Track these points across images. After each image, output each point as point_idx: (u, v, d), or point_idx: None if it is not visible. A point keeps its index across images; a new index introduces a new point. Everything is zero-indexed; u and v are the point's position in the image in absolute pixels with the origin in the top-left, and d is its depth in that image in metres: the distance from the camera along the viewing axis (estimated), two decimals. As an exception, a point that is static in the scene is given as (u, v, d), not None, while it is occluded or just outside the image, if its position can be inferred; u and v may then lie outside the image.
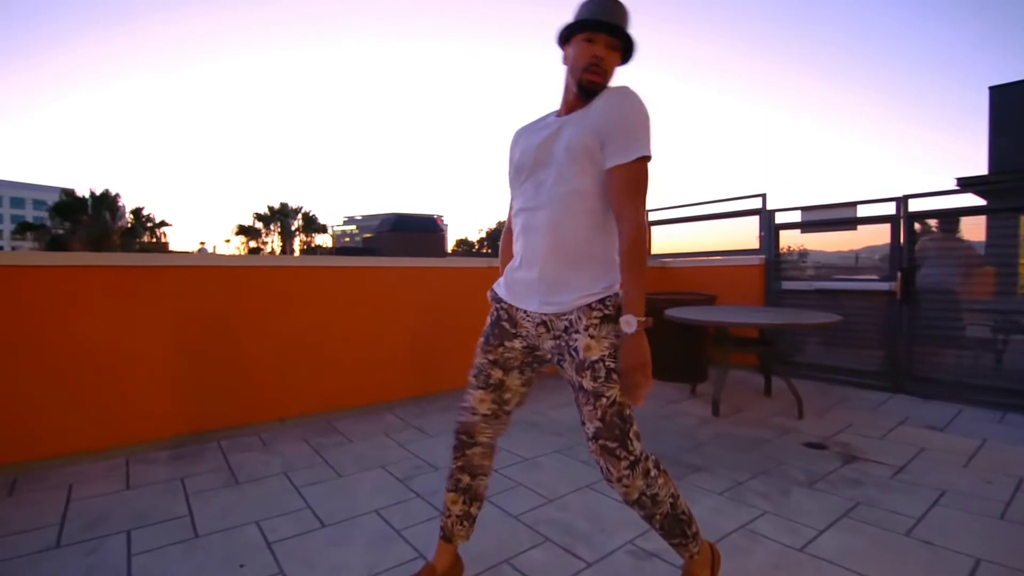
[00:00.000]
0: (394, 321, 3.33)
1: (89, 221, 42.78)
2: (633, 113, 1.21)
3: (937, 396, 3.51)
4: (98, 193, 44.48)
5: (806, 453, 2.54)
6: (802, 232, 4.44)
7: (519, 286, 1.35)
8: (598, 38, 1.26)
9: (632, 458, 1.23)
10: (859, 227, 4.09)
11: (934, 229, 3.96)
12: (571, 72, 1.29)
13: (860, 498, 2.04)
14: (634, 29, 1.31)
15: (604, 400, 1.22)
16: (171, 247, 51.60)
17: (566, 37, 1.31)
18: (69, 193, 44.45)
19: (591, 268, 1.27)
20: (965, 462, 2.41)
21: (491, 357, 1.38)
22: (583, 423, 1.26)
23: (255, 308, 2.84)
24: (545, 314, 1.29)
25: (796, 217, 4.40)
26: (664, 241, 5.45)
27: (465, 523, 1.45)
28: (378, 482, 2.20)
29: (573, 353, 1.25)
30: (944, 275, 3.68)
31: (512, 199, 1.42)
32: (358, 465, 2.38)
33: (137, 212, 49.72)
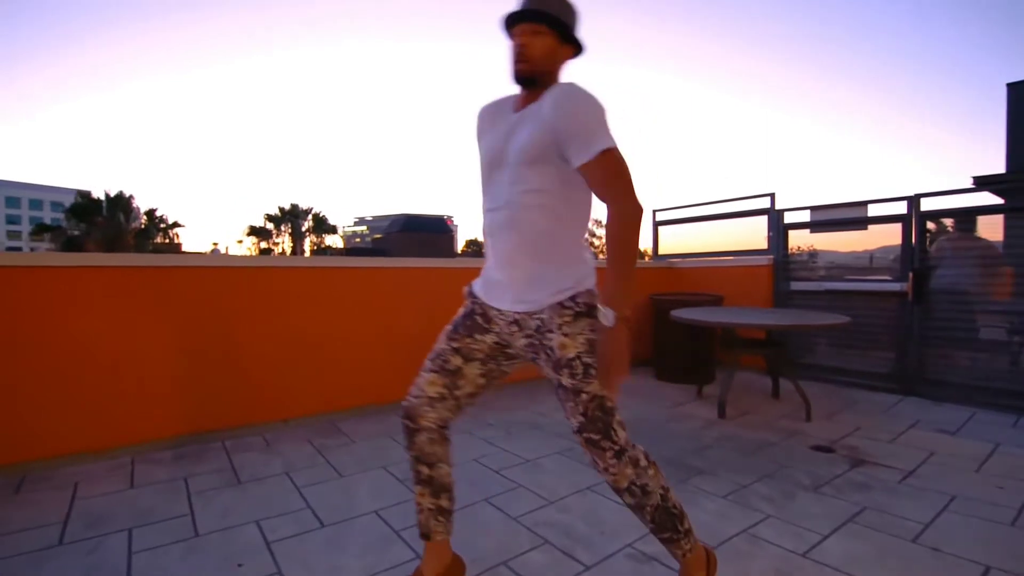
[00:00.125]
0: (399, 322, 3.33)
1: (104, 222, 43.43)
2: (583, 109, 1.19)
3: (949, 399, 3.44)
4: (112, 195, 45.14)
5: (813, 456, 2.50)
6: (811, 232, 4.38)
7: (491, 285, 1.36)
8: (516, 30, 1.28)
9: (617, 447, 1.24)
10: (874, 227, 4.01)
11: (950, 229, 3.89)
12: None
13: (867, 503, 2.00)
14: (574, 11, 1.32)
15: (584, 395, 1.23)
16: (184, 248, 52.26)
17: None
18: (85, 195, 45.21)
19: (557, 266, 1.27)
20: (976, 467, 2.36)
21: (455, 345, 1.37)
22: (568, 419, 1.27)
23: (259, 309, 2.85)
24: (518, 312, 1.29)
25: (805, 217, 4.34)
26: (671, 241, 5.41)
27: (440, 518, 1.42)
28: (379, 483, 2.20)
29: (549, 352, 1.26)
30: (959, 276, 3.61)
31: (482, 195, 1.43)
32: (360, 466, 2.38)
33: (151, 213, 50.44)
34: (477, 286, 1.42)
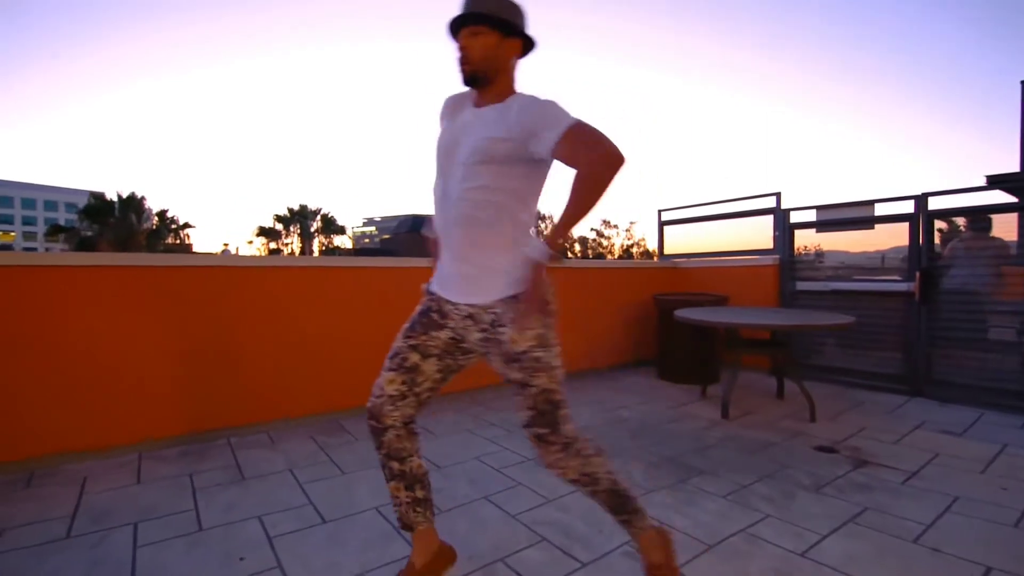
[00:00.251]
0: (403, 321, 3.34)
1: (116, 223, 43.99)
2: (546, 107, 1.24)
3: (957, 400, 3.41)
4: (124, 196, 45.72)
5: (815, 457, 2.49)
6: (817, 231, 4.35)
7: (445, 279, 1.39)
8: (458, 37, 1.33)
9: (564, 441, 1.29)
10: (886, 227, 3.97)
11: (962, 229, 3.85)
12: None
13: (868, 503, 1.99)
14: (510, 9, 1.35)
15: (533, 389, 1.27)
16: (195, 248, 52.83)
17: None
18: (98, 196, 45.81)
19: (508, 261, 1.29)
20: (982, 468, 2.34)
21: (411, 342, 1.41)
22: (517, 413, 1.30)
23: (265, 309, 2.88)
24: (472, 306, 1.32)
25: (811, 216, 4.31)
26: (676, 241, 5.39)
27: (418, 508, 1.45)
28: (380, 480, 2.18)
29: (501, 346, 1.28)
30: (970, 276, 3.58)
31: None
32: (362, 463, 2.40)
33: (162, 214, 50.97)
34: (433, 281, 1.45)
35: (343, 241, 66.88)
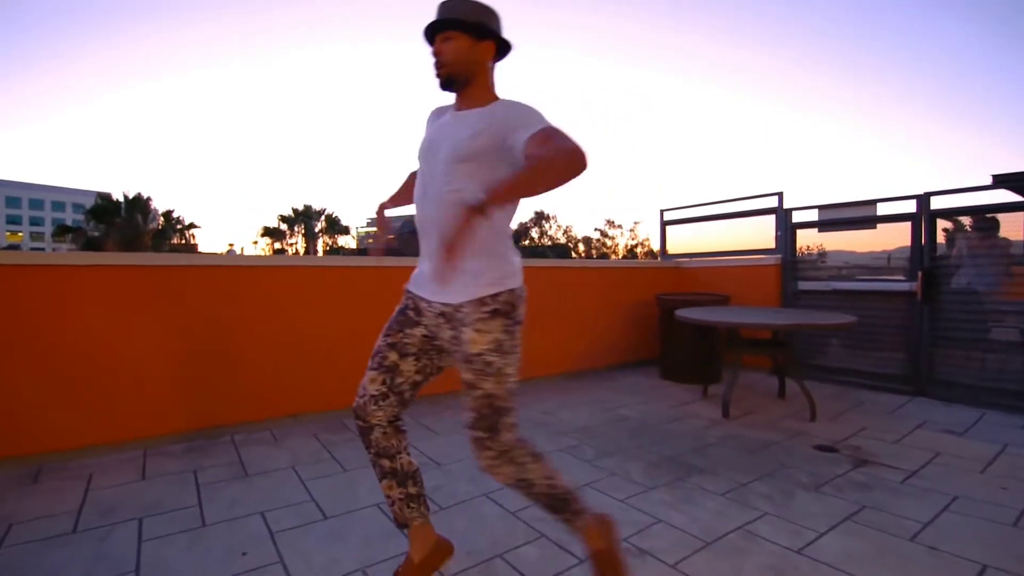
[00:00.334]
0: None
1: (122, 224, 44.26)
2: (527, 110, 1.28)
3: (959, 400, 3.40)
4: (130, 196, 45.97)
5: (815, 456, 2.49)
6: (819, 231, 4.35)
7: (420, 277, 1.43)
8: (433, 44, 1.36)
9: (500, 449, 1.30)
10: (892, 227, 3.96)
11: (968, 228, 3.83)
12: None
13: (867, 502, 2.00)
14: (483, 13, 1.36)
15: (479, 391, 1.29)
16: (200, 248, 53.08)
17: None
18: (105, 197, 46.07)
19: (481, 263, 1.30)
20: (982, 468, 2.34)
21: (390, 341, 1.43)
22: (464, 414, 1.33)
23: (268, 307, 2.91)
24: (446, 304, 1.34)
25: (814, 216, 4.31)
26: (678, 241, 5.39)
27: (412, 504, 1.48)
28: (382, 477, 2.24)
29: (461, 345, 1.31)
30: (974, 276, 3.57)
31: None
32: (364, 461, 2.41)
33: (168, 215, 51.22)
34: (411, 280, 1.48)
35: (347, 241, 67.05)
